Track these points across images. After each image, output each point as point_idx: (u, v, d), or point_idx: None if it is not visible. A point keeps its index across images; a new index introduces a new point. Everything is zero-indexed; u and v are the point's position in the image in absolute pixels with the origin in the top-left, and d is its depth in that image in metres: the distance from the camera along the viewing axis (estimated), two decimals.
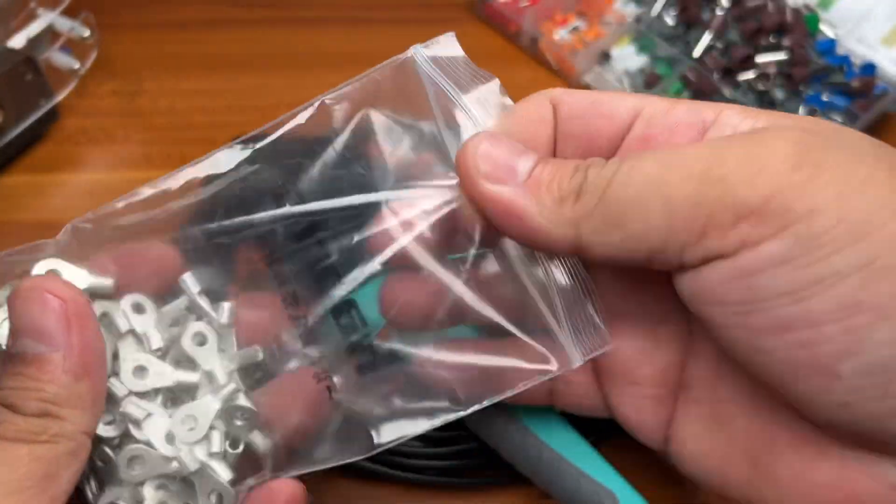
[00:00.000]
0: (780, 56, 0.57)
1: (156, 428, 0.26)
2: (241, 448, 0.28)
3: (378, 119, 0.31)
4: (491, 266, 0.28)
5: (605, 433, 0.43)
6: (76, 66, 0.54)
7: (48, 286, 0.25)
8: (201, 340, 0.28)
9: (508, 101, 0.30)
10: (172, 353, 0.28)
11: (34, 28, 0.53)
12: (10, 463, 0.22)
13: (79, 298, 0.25)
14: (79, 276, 0.28)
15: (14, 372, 0.24)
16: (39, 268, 0.28)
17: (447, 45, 0.30)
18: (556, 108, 0.29)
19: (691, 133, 0.27)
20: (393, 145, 0.30)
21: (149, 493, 0.27)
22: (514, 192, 0.25)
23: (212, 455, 0.27)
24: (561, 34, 0.62)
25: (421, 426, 0.30)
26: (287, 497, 0.28)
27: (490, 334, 0.29)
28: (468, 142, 0.27)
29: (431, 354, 0.29)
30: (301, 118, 0.31)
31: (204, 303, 0.29)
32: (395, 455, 0.40)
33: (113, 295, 0.28)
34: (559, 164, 0.26)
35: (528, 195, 0.25)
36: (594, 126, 0.28)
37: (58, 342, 0.24)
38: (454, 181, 0.27)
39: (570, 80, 0.60)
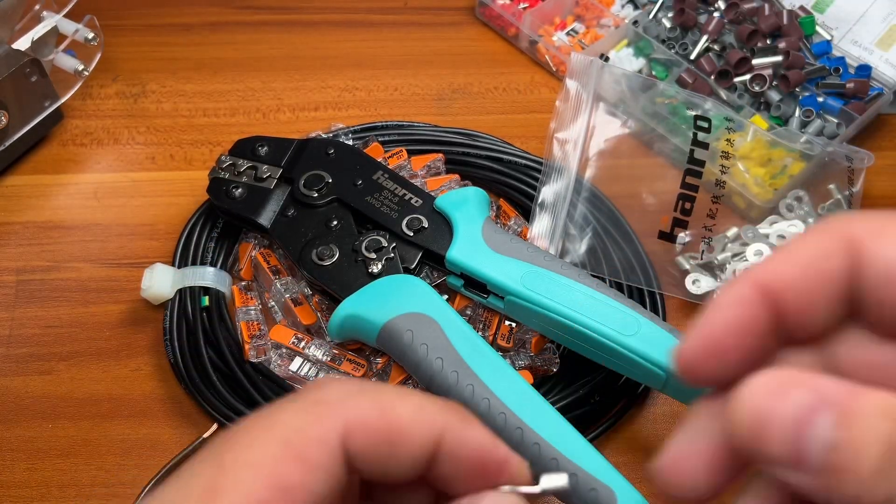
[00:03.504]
0: (776, 58, 0.58)
1: None
2: None
3: None
4: None
5: (602, 429, 0.44)
6: (80, 67, 0.55)
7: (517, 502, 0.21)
8: None
9: None
10: None
11: (39, 30, 0.53)
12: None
13: None
14: None
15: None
16: None
17: None
18: (859, 258, 0.19)
19: None
20: None
21: None
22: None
23: None
24: (559, 37, 0.62)
25: None
26: None
27: None
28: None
29: None
30: None
31: None
32: None
33: None
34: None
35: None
36: None
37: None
38: None
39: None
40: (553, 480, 0.21)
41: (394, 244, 0.44)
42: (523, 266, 0.42)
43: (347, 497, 0.22)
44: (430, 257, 0.45)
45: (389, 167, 0.49)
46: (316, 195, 0.46)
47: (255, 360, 0.44)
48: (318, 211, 0.46)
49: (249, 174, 0.48)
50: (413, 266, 0.44)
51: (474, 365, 0.38)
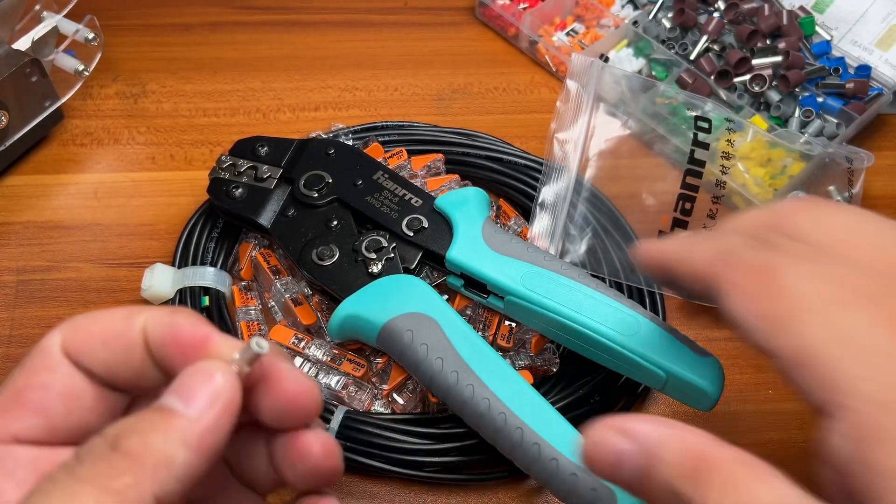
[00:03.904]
0: (776, 58, 0.58)
1: None
2: None
3: None
4: None
5: None
6: (81, 68, 0.55)
7: (222, 368, 0.23)
8: None
9: None
10: None
11: (39, 30, 0.53)
12: (74, 497, 0.21)
13: (236, 391, 0.23)
14: None
15: (141, 415, 0.22)
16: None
17: None
18: None
19: None
20: None
21: None
22: None
23: None
24: (559, 37, 0.62)
25: None
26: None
27: None
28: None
29: None
30: None
31: None
32: (394, 452, 0.41)
33: None
34: None
35: None
36: None
37: (196, 408, 0.22)
38: None
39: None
40: (258, 344, 0.23)
41: (394, 244, 0.44)
42: (523, 266, 0.42)
43: (108, 412, 0.26)
44: (430, 257, 0.45)
45: (389, 167, 0.49)
46: (316, 195, 0.46)
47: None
48: (318, 211, 0.46)
49: (249, 174, 0.48)
50: (413, 266, 0.44)
51: (474, 365, 0.38)
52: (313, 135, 0.53)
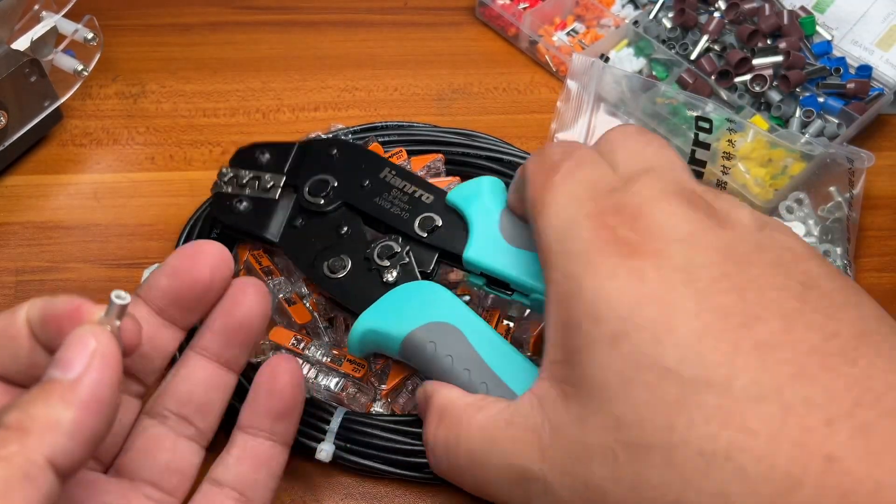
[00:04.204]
0: (777, 58, 0.58)
1: None
2: None
3: None
4: None
5: None
6: (80, 68, 0.54)
7: (93, 330, 0.24)
8: None
9: None
10: None
11: (38, 30, 0.53)
12: None
13: (111, 345, 0.24)
14: None
15: (26, 393, 0.24)
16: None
17: None
18: None
19: None
20: None
21: None
22: None
23: None
24: (559, 37, 0.62)
25: None
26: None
27: None
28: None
29: None
30: None
31: None
32: (393, 453, 0.41)
33: None
34: None
35: None
36: None
37: (74, 371, 0.23)
38: None
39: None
40: (117, 296, 0.25)
41: (408, 247, 0.41)
42: None
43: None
44: (447, 257, 0.42)
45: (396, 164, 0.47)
46: (322, 201, 0.43)
47: (255, 361, 0.44)
48: (326, 218, 0.43)
49: (253, 185, 0.45)
50: (430, 270, 0.42)
51: (502, 373, 0.36)
52: (313, 135, 0.52)
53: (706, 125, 0.52)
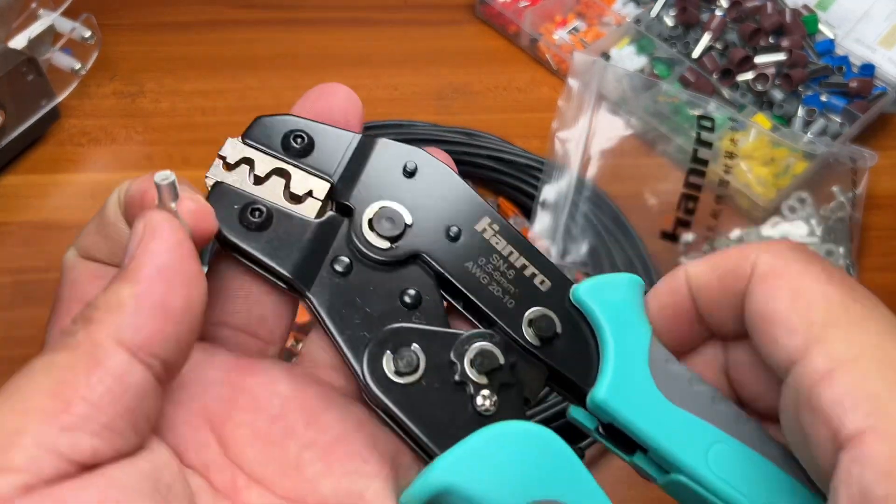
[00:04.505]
0: (779, 57, 0.58)
1: None
2: None
3: None
4: None
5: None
6: (77, 66, 0.54)
7: (144, 213, 0.23)
8: None
9: None
10: None
11: (36, 29, 0.53)
12: (25, 375, 0.20)
13: (161, 218, 0.23)
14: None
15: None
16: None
17: None
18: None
19: None
20: None
21: None
22: None
23: None
24: (560, 35, 0.62)
25: None
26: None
27: None
28: None
29: None
30: None
31: None
32: None
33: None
34: None
35: None
36: None
37: (130, 255, 0.22)
38: None
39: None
40: (163, 178, 0.23)
41: (514, 360, 0.27)
42: (710, 431, 0.26)
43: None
44: (560, 383, 0.28)
45: (502, 214, 0.32)
46: (387, 245, 0.28)
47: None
48: (386, 272, 0.28)
49: (276, 185, 0.28)
50: (534, 396, 0.28)
51: None
52: (376, 131, 0.33)
53: (708, 124, 0.52)
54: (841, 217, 0.52)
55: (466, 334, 0.27)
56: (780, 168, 0.53)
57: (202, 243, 0.24)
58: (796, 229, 0.51)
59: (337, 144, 0.30)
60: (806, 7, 0.61)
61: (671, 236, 0.50)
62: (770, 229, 0.50)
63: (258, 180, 0.28)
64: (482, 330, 0.27)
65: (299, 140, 0.29)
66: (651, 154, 0.54)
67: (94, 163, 0.55)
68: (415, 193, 0.29)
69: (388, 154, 0.30)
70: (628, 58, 0.60)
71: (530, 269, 0.28)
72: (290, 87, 0.60)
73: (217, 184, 0.28)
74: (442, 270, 0.28)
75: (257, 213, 0.27)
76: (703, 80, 0.57)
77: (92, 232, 0.26)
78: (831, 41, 0.60)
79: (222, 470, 0.23)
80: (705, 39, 0.59)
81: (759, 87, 0.57)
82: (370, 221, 0.28)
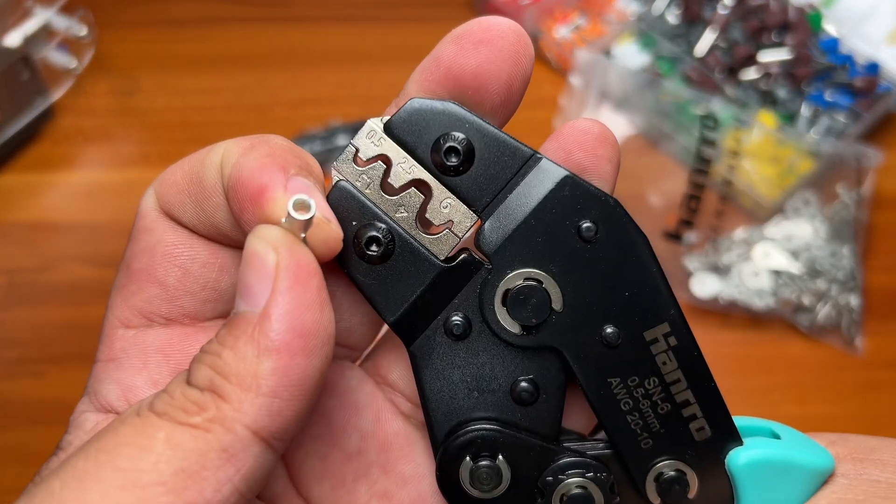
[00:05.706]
0: (783, 55, 0.57)
1: None
2: None
3: None
4: None
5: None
6: (72, 64, 0.53)
7: (272, 237, 0.18)
8: None
9: None
10: None
11: (30, 26, 0.52)
12: (141, 445, 0.17)
13: (299, 255, 0.18)
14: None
15: (217, 334, 0.18)
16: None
17: None
18: None
19: None
20: None
21: None
22: None
23: None
24: (562, 32, 0.61)
25: None
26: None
27: None
28: None
29: None
30: None
31: None
32: None
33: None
34: None
35: None
36: None
37: (257, 300, 0.18)
38: None
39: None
40: (299, 205, 0.18)
41: (616, 499, 0.22)
42: None
43: (228, 267, 0.22)
44: None
45: (685, 323, 0.23)
46: (518, 331, 0.22)
47: None
48: (509, 351, 0.23)
49: (411, 203, 0.22)
50: None
51: None
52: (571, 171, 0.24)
53: (711, 122, 0.51)
54: (846, 216, 0.51)
55: (566, 460, 0.22)
56: (784, 167, 0.52)
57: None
58: (801, 229, 0.50)
59: (505, 164, 0.23)
60: (810, 5, 0.60)
61: (675, 236, 0.49)
62: (774, 228, 0.50)
63: (390, 189, 0.22)
64: (588, 460, 0.22)
65: (454, 154, 0.22)
66: (654, 153, 0.54)
67: (90, 161, 0.54)
68: (580, 268, 0.22)
69: (567, 200, 0.22)
70: (631, 55, 0.60)
71: (692, 409, 0.22)
72: (287, 84, 0.59)
73: (339, 184, 0.22)
74: (577, 377, 0.22)
75: (375, 244, 0.22)
76: (706, 77, 0.57)
77: (181, 188, 0.22)
78: (836, 39, 0.60)
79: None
80: (709, 37, 0.59)
81: (763, 85, 0.57)
82: (506, 294, 0.22)
